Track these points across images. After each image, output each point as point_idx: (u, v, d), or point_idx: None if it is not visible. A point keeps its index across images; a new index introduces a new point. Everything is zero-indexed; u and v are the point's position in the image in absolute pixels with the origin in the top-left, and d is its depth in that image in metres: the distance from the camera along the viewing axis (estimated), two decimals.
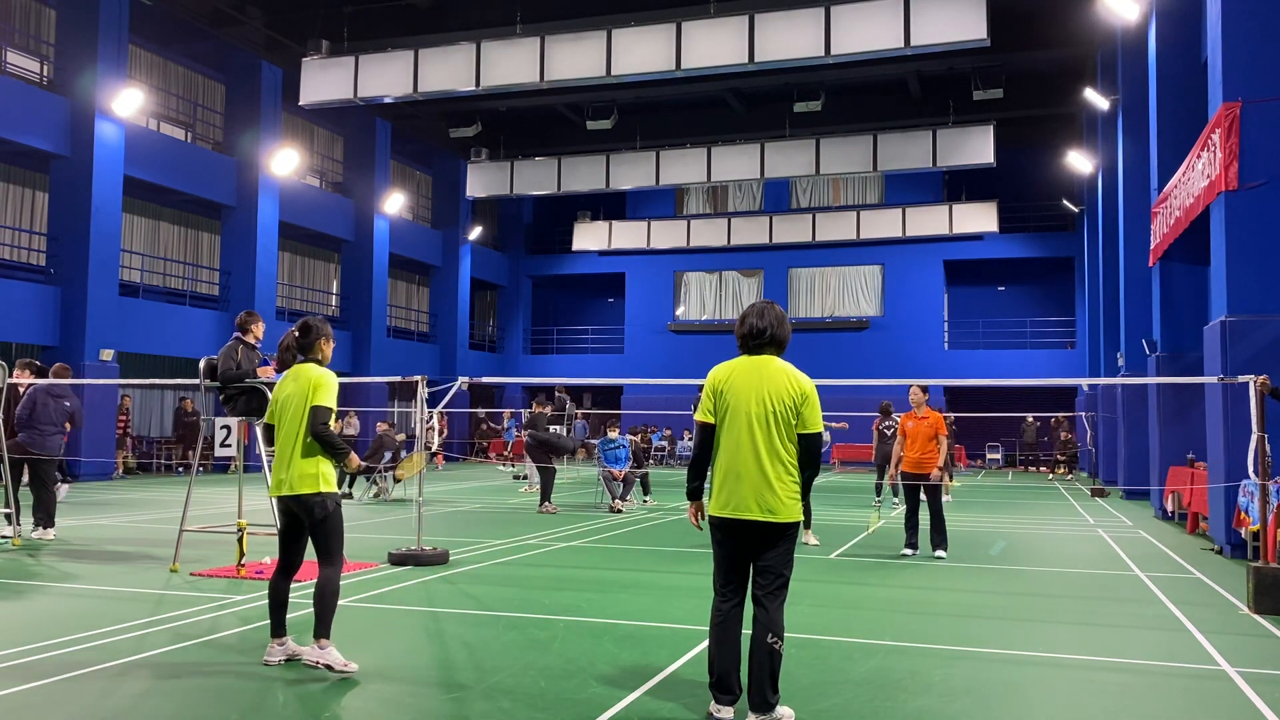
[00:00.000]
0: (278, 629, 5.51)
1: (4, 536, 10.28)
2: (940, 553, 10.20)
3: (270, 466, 5.83)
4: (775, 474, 4.52)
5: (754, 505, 4.52)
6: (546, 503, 14.56)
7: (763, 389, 4.58)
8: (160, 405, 24.66)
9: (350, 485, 16.78)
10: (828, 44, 17.47)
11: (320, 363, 5.69)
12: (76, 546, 10.20)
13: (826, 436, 10.90)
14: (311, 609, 5.49)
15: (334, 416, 5.51)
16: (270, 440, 5.75)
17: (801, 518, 4.66)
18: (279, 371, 5.74)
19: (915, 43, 17.08)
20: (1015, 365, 31.65)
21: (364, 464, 6.14)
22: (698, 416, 4.76)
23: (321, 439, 5.42)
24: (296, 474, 5.41)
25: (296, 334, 5.74)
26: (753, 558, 4.62)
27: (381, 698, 4.92)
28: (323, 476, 5.44)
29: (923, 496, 10.46)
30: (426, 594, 7.80)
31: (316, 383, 5.48)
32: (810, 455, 4.61)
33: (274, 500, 5.61)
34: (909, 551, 10.42)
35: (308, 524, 5.44)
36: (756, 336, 4.69)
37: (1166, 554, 10.77)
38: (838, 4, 17.47)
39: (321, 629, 5.33)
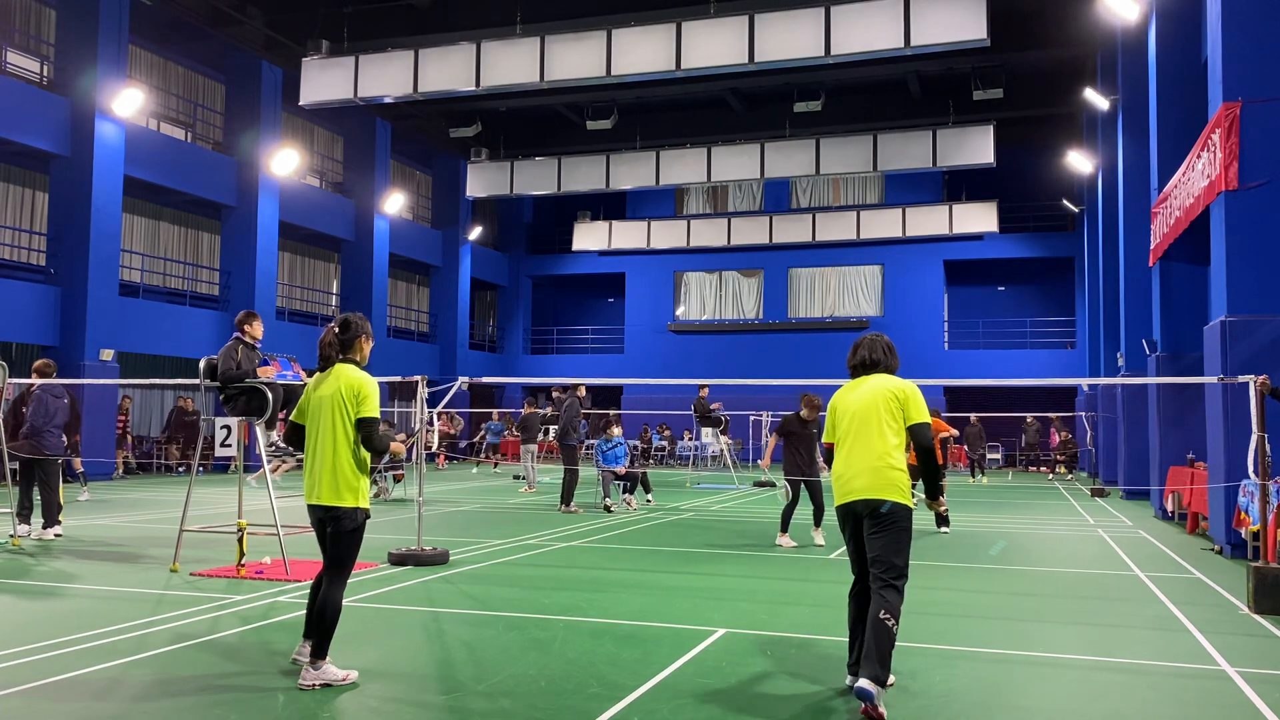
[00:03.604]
0: (312, 630, 5.30)
1: (11, 535, 10.30)
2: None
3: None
4: (873, 457, 5.00)
5: (855, 486, 5.03)
6: (569, 503, 14.61)
7: (864, 394, 5.16)
8: (160, 405, 24.65)
9: None
10: (828, 44, 17.46)
11: (359, 363, 5.43)
12: (76, 546, 10.20)
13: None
14: (303, 611, 5.36)
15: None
16: (292, 440, 5.49)
17: (910, 504, 5.01)
18: (317, 369, 5.59)
19: (915, 43, 17.08)
20: (1015, 365, 31.64)
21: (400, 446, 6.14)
22: (824, 439, 5.43)
23: (376, 450, 5.34)
24: (332, 484, 5.19)
25: (336, 330, 5.43)
26: (867, 547, 5.02)
27: (381, 697, 4.92)
28: (361, 490, 5.26)
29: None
30: (426, 594, 7.80)
31: (359, 391, 5.24)
32: (921, 446, 5.08)
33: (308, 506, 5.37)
34: None
35: (330, 531, 5.23)
36: (869, 367, 5.26)
37: (1166, 554, 10.77)
38: (838, 4, 17.47)
39: (319, 651, 5.11)
